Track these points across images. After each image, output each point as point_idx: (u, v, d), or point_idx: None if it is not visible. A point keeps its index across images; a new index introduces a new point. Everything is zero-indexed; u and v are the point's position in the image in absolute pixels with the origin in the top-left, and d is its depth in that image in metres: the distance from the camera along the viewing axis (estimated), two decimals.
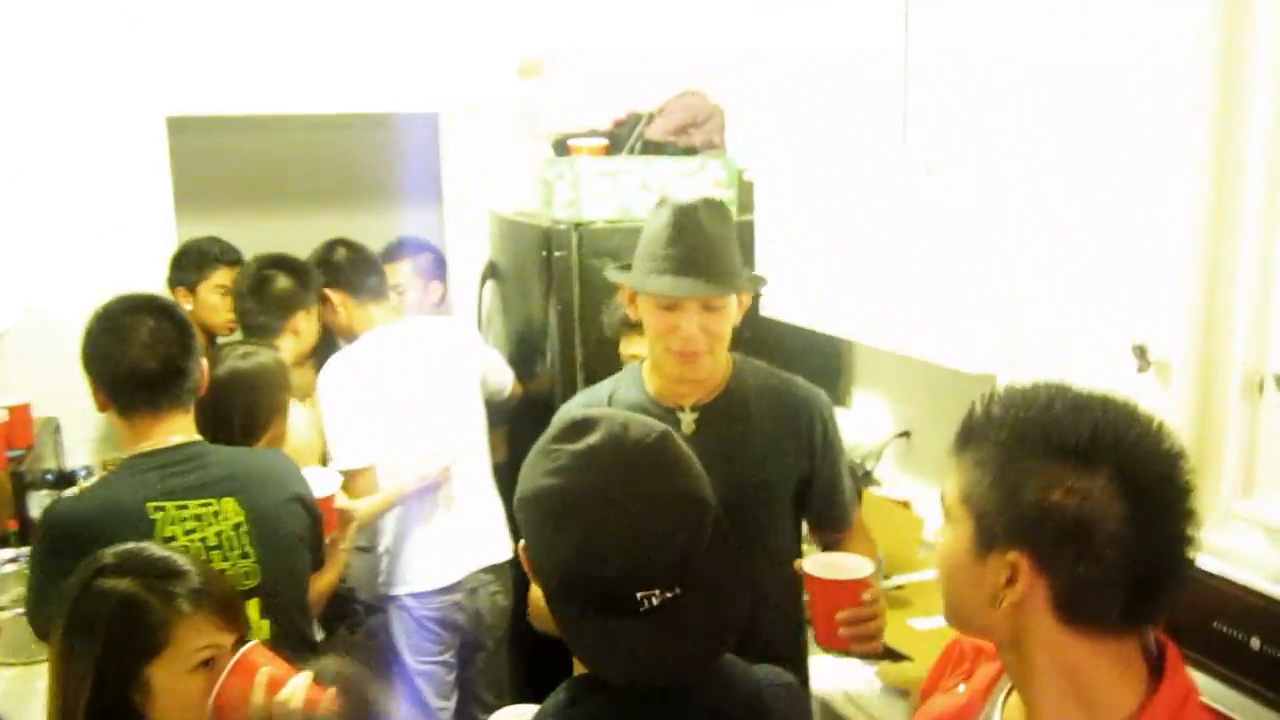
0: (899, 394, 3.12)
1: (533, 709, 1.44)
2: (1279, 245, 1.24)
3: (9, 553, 2.86)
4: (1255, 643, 1.30)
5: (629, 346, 2.78)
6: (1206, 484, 1.36)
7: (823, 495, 2.08)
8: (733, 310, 1.96)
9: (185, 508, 1.97)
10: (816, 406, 2.06)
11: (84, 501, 2.07)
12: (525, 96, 3.62)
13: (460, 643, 3.12)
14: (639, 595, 1.14)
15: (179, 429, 2.04)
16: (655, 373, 2.05)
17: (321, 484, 2.33)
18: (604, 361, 3.03)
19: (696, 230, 1.88)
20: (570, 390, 3.07)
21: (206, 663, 1.53)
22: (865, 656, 2.23)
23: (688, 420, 1.97)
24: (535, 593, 2.03)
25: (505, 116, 3.76)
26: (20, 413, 3.14)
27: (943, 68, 2.17)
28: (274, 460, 2.21)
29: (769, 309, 2.87)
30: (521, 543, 1.26)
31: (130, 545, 1.59)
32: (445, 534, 3.03)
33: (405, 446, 2.95)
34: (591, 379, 3.05)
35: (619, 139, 3.20)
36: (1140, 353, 1.40)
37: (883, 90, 2.39)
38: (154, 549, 1.61)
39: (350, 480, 2.76)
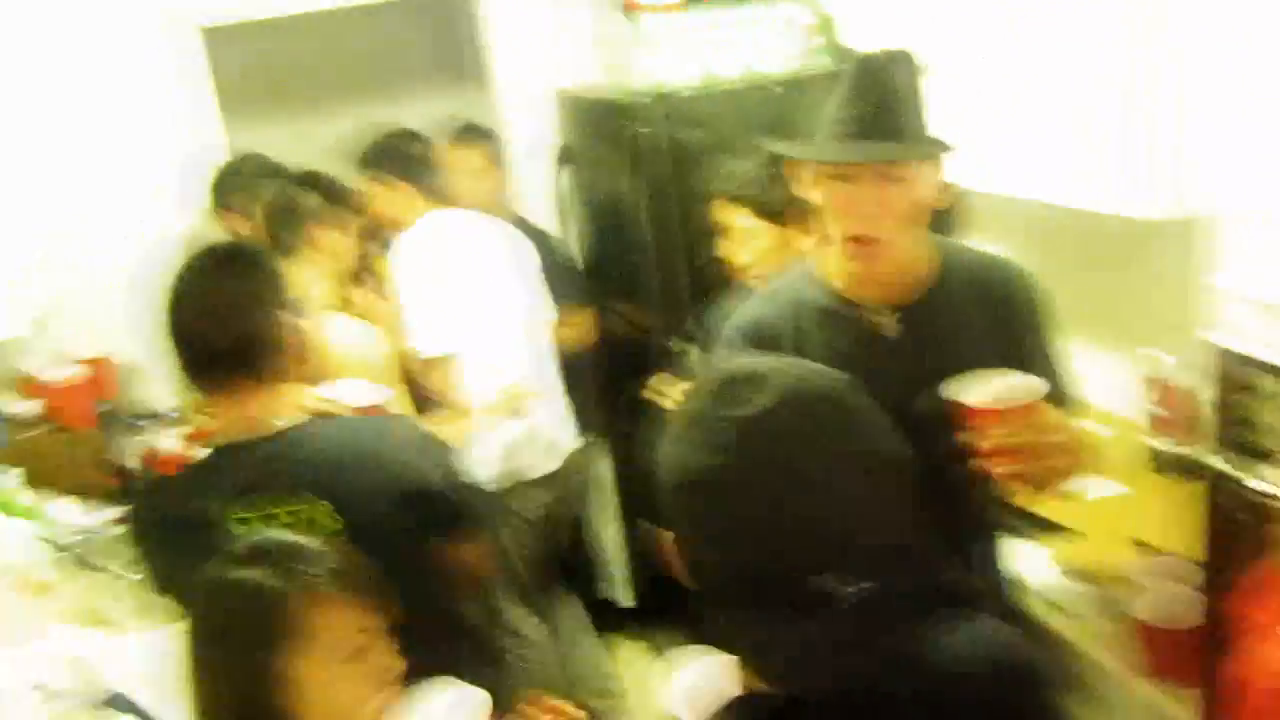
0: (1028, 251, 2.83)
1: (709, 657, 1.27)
2: None
3: (115, 511, 2.75)
4: None
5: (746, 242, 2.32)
6: None
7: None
8: (921, 185, 1.62)
9: (273, 517, 1.66)
10: (1030, 286, 1.77)
11: (162, 503, 1.83)
12: None
13: None
14: (840, 589, 0.95)
15: (268, 407, 1.72)
16: (838, 266, 1.73)
17: (363, 395, 1.96)
18: (710, 244, 2.78)
19: (880, 85, 1.57)
20: (674, 287, 2.85)
21: (360, 650, 1.36)
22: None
23: (889, 324, 1.68)
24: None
25: None
26: (101, 365, 3.01)
27: None
28: (378, 438, 1.79)
29: None
30: (668, 534, 1.05)
31: (254, 537, 1.42)
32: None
33: (478, 351, 2.74)
34: (699, 268, 2.83)
35: None
36: None
37: None
38: (279, 535, 1.43)
39: (429, 370, 2.57)
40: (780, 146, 1.75)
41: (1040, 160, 2.05)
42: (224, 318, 1.69)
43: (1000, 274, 1.77)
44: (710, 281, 2.81)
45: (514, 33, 3.50)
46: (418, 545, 1.76)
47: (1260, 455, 1.45)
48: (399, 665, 1.40)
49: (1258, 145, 1.38)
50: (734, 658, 1.41)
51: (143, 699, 2.15)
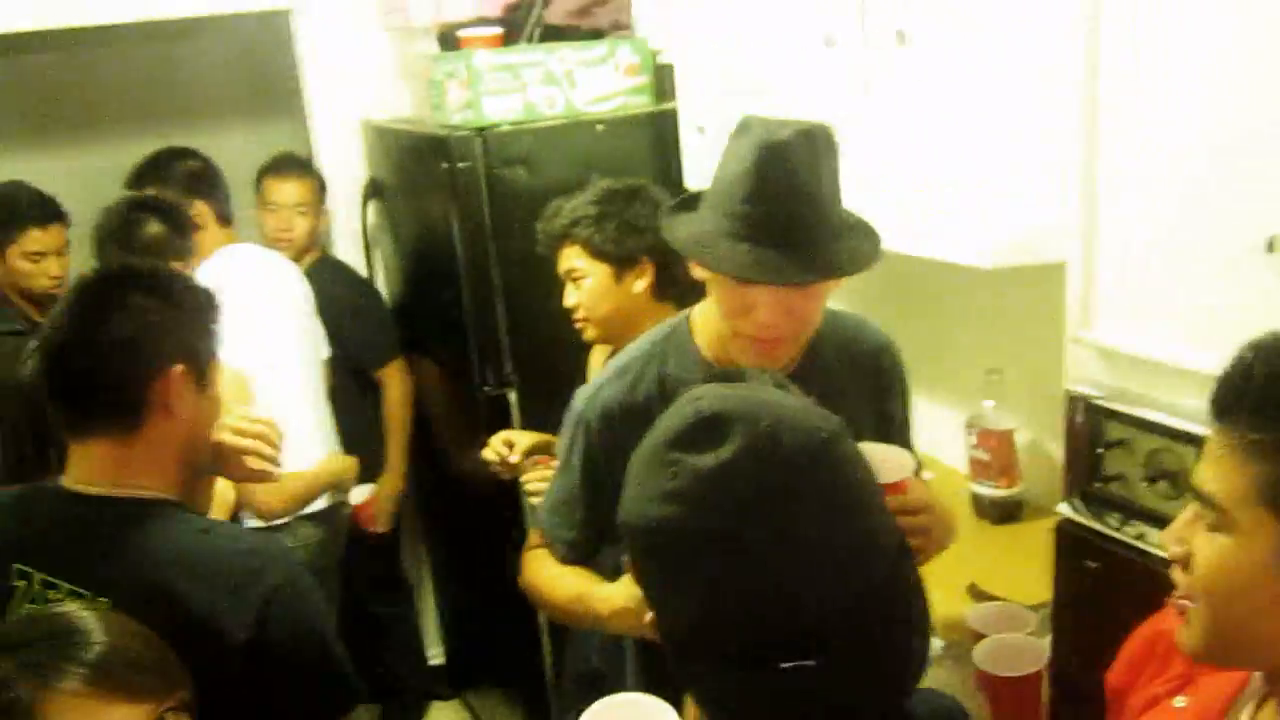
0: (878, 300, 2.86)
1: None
2: None
3: None
4: None
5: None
6: None
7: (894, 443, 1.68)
8: (832, 283, 1.48)
9: (55, 587, 1.42)
10: (890, 347, 1.72)
11: None
12: None
13: None
14: (778, 665, 0.85)
15: (96, 471, 1.48)
16: (716, 337, 1.59)
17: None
18: (527, 284, 2.68)
19: (792, 180, 1.37)
20: (488, 328, 2.73)
21: None
22: None
23: None
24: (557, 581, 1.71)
25: (368, 7, 3.26)
26: None
27: None
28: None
29: None
30: (628, 560, 0.98)
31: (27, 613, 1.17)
32: None
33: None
34: (515, 307, 2.72)
35: (515, 26, 2.78)
36: (1275, 244, 1.15)
37: None
38: (58, 611, 1.19)
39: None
40: (668, 233, 1.52)
41: (883, 208, 2.04)
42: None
43: (869, 342, 1.71)
44: (526, 323, 2.73)
45: (327, 62, 3.31)
46: None
47: (1108, 503, 1.46)
48: None
49: (1114, 193, 1.38)
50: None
51: None
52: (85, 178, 3.13)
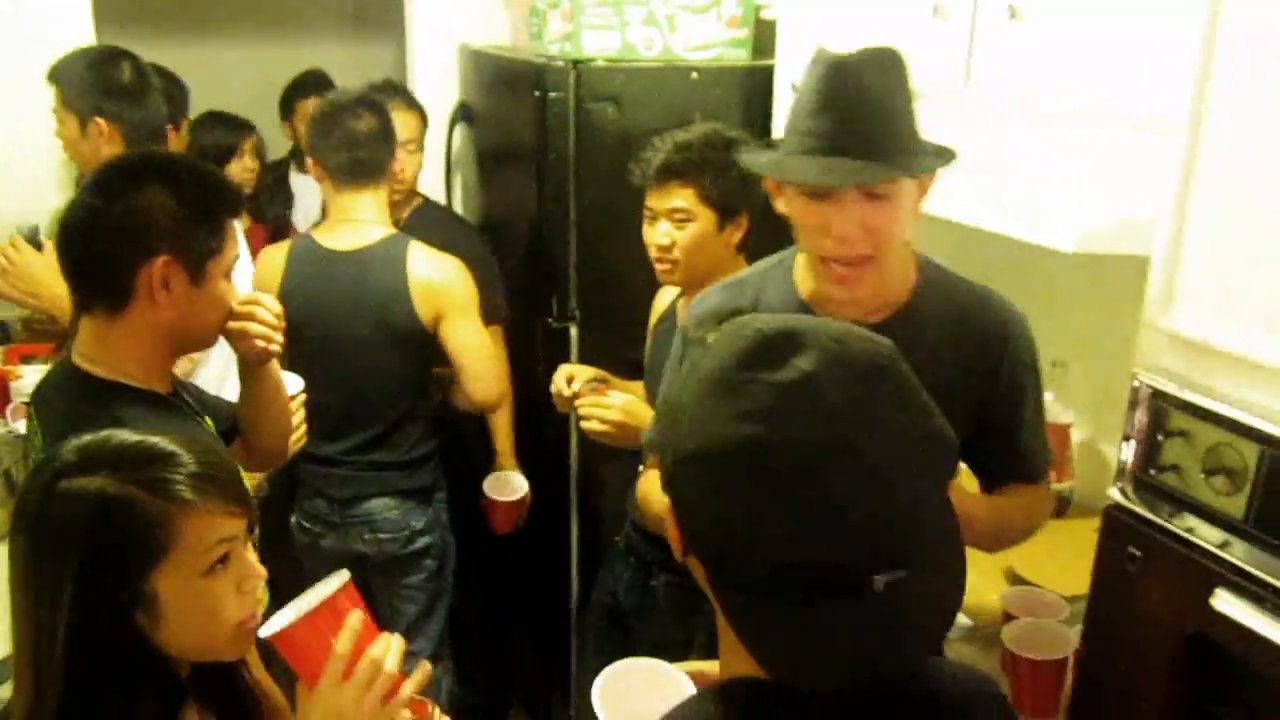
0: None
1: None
2: None
3: None
4: None
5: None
6: None
7: (995, 442, 1.66)
8: (910, 199, 1.48)
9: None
10: (1011, 334, 1.61)
11: None
12: None
13: None
14: (869, 578, 0.83)
15: (86, 345, 1.62)
16: (809, 273, 1.59)
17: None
18: (602, 221, 2.69)
19: (855, 91, 1.39)
20: (559, 261, 2.74)
21: (223, 560, 1.19)
22: None
23: None
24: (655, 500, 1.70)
25: None
26: None
27: None
28: None
29: None
30: (666, 503, 0.93)
31: (90, 436, 1.23)
32: None
33: None
34: (587, 244, 2.73)
35: None
36: None
37: None
38: (124, 435, 1.24)
39: None
40: (747, 159, 1.58)
41: (975, 183, 2.02)
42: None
43: (989, 314, 1.63)
44: (595, 261, 2.74)
45: None
46: None
47: (1160, 493, 1.44)
48: (262, 573, 1.26)
49: (1210, 186, 1.35)
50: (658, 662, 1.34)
51: None
52: (193, 77, 3.18)
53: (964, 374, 1.58)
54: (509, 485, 2.85)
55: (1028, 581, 2.00)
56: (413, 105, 2.96)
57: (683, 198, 2.07)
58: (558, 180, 2.71)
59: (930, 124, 1.53)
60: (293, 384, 2.06)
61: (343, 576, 1.29)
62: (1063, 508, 2.29)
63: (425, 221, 2.91)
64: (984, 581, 2.03)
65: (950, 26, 2.08)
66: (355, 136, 2.49)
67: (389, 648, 1.25)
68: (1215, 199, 1.35)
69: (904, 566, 0.84)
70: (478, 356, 2.57)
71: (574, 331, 2.78)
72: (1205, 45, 1.34)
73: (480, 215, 3.35)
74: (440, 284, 2.53)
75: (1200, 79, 1.35)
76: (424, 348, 2.58)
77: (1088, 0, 1.77)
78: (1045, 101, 1.86)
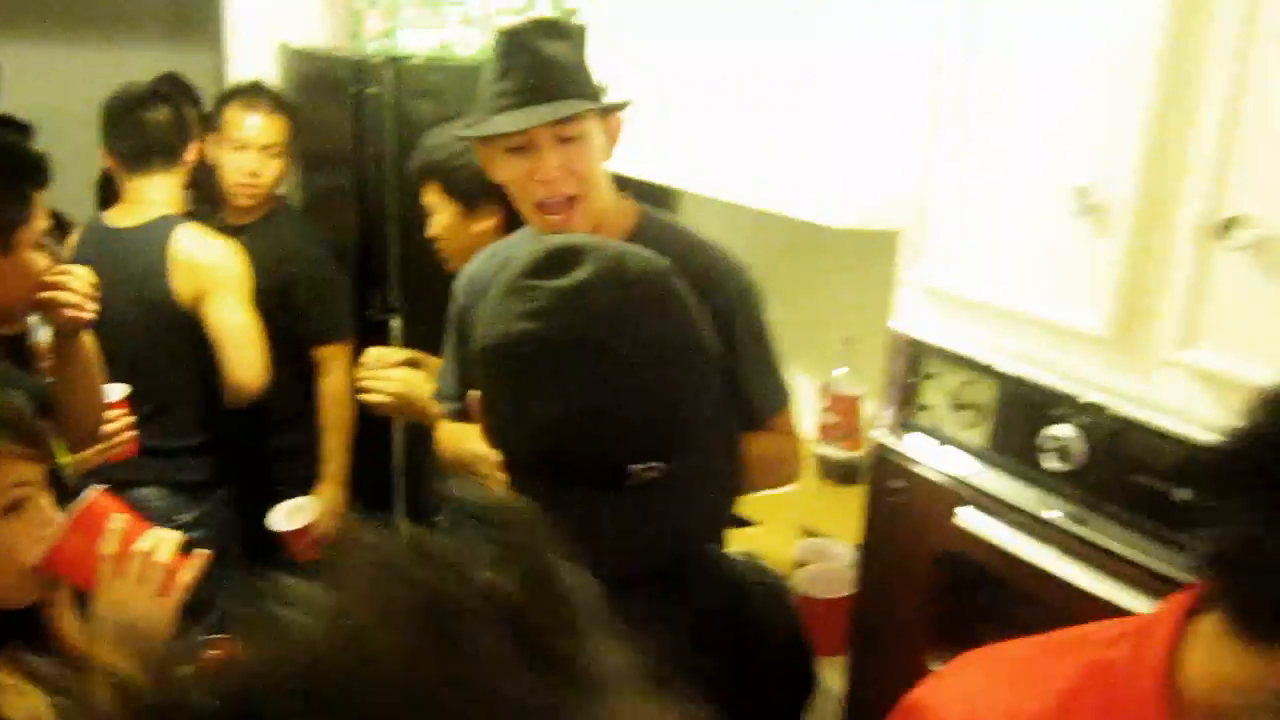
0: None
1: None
2: (1252, 72, 1.16)
3: None
4: (1178, 493, 1.27)
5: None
6: (1140, 334, 1.30)
7: (743, 377, 1.72)
8: (598, 140, 1.66)
9: None
10: (722, 279, 1.70)
11: None
12: None
13: None
14: (630, 469, 0.94)
15: None
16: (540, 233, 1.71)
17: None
18: (421, 215, 2.75)
19: (529, 52, 1.61)
20: (378, 253, 2.79)
21: (14, 505, 1.22)
22: None
23: None
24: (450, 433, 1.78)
25: None
26: None
27: None
28: None
29: None
30: (474, 395, 1.03)
31: None
32: None
33: None
34: (407, 237, 2.78)
35: None
36: (1081, 195, 1.31)
37: None
38: None
39: None
40: (455, 128, 1.75)
41: (743, 166, 2.18)
42: None
43: (698, 254, 1.70)
44: (415, 254, 2.79)
45: None
46: None
47: (919, 430, 1.61)
48: (57, 518, 1.28)
49: (949, 159, 1.54)
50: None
51: None
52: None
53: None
54: (302, 513, 2.72)
55: (819, 535, 2.16)
56: (281, 109, 2.83)
57: (428, 193, 2.25)
58: (378, 176, 2.76)
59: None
60: (114, 392, 2.07)
61: (97, 488, 1.33)
62: (855, 474, 2.48)
63: (270, 226, 2.83)
64: (783, 538, 2.19)
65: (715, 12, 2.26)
66: (144, 124, 2.55)
67: (160, 540, 1.29)
68: (950, 175, 1.53)
69: (664, 461, 0.95)
70: (238, 339, 2.49)
71: (396, 323, 2.83)
72: (936, 54, 1.53)
73: (302, 213, 3.36)
74: (203, 263, 2.51)
75: (932, 81, 1.54)
76: (190, 329, 2.51)
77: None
78: (804, 87, 2.03)
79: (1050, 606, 1.38)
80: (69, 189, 2.96)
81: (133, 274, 2.49)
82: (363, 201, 2.79)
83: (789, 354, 1.82)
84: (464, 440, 1.67)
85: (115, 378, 2.34)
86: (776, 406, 1.79)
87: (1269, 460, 0.83)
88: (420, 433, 2.31)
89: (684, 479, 0.97)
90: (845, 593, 1.86)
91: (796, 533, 2.22)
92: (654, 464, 0.95)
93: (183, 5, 3.91)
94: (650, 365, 0.95)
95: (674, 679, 1.05)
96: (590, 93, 1.66)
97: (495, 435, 1.01)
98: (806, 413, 2.58)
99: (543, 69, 1.60)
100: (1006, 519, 1.46)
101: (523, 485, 0.98)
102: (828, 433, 2.54)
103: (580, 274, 0.96)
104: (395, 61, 2.71)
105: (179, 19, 3.95)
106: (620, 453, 0.94)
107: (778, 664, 1.15)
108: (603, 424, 0.93)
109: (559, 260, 0.98)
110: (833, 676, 1.79)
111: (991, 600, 1.57)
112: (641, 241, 1.64)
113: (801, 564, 2.00)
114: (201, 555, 1.32)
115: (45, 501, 1.27)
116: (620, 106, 1.72)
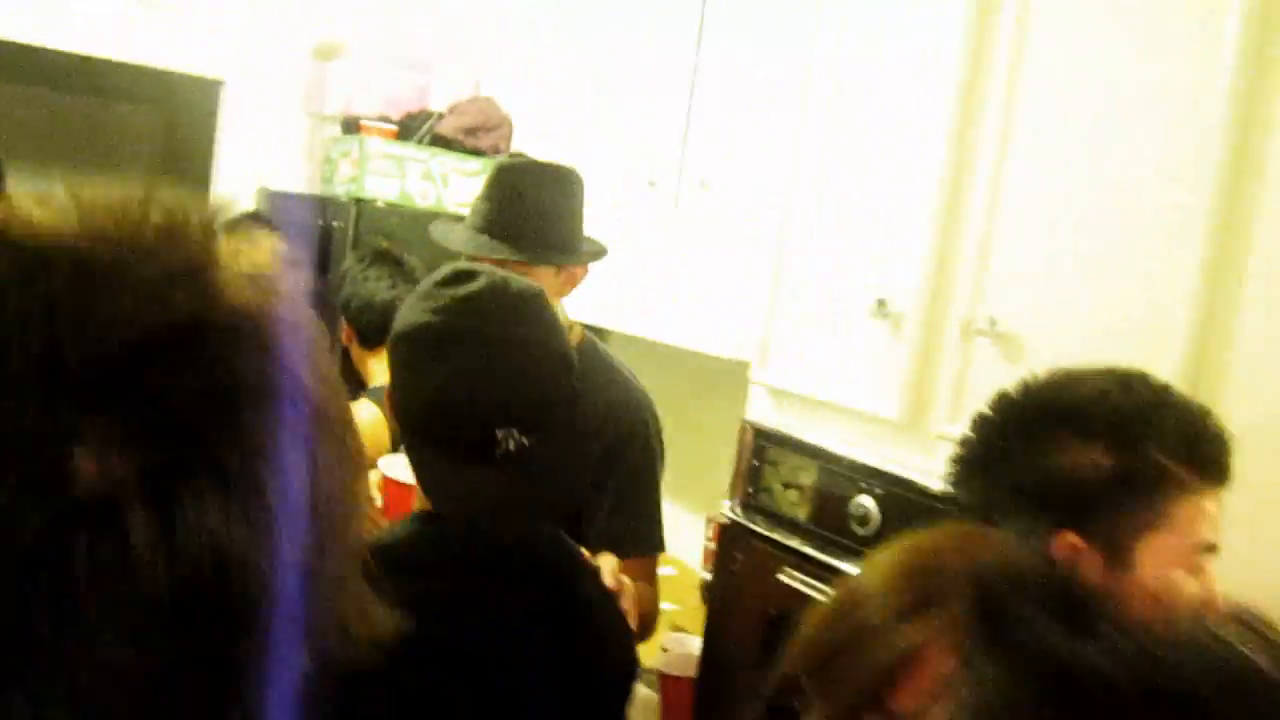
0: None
1: None
2: (1001, 206, 1.52)
3: None
4: None
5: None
6: (921, 417, 1.61)
7: (609, 510, 1.75)
8: (548, 282, 1.64)
9: None
10: (634, 420, 1.79)
11: None
12: (316, 76, 3.64)
13: None
14: (498, 435, 1.19)
15: None
16: None
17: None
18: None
19: (509, 189, 1.79)
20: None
21: None
22: None
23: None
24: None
25: (294, 92, 3.74)
26: None
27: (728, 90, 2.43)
28: None
29: None
30: (387, 384, 1.30)
31: None
32: None
33: None
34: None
35: (409, 129, 3.29)
36: (881, 305, 1.65)
37: (668, 113, 2.63)
38: None
39: None
40: (433, 229, 1.92)
41: (654, 304, 2.53)
42: None
43: (619, 387, 1.81)
44: None
45: (244, 135, 3.74)
46: None
47: (758, 510, 1.88)
48: None
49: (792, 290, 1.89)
50: None
51: None
52: None
53: (594, 435, 1.75)
54: None
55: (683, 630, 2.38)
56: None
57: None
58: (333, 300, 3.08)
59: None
60: None
61: None
62: None
63: None
64: (654, 638, 2.40)
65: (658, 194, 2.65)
66: None
67: None
68: (788, 290, 1.88)
69: (526, 433, 1.22)
70: None
71: None
72: (785, 210, 1.91)
73: None
74: None
75: (782, 219, 1.91)
76: None
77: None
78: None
79: None
80: None
81: None
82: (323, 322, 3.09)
83: (679, 486, 2.09)
84: None
85: None
86: (638, 551, 1.76)
87: (992, 437, 1.11)
88: None
89: (542, 456, 1.23)
90: (692, 672, 2.07)
91: (666, 627, 2.43)
92: (518, 434, 1.22)
93: (176, 149, 4.34)
94: (517, 353, 1.24)
95: (510, 648, 1.28)
96: (556, 242, 1.78)
97: (398, 409, 1.28)
98: (694, 541, 2.82)
99: (513, 209, 1.77)
100: (822, 579, 1.72)
101: (414, 454, 1.25)
102: (710, 558, 2.77)
103: (474, 286, 1.26)
104: (360, 203, 3.08)
105: (173, 159, 4.37)
106: (489, 418, 1.21)
107: (602, 638, 1.38)
108: (476, 393, 1.21)
109: (460, 276, 1.29)
110: None
111: None
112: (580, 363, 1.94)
113: (664, 650, 2.21)
114: None
115: None
116: (578, 261, 1.81)
